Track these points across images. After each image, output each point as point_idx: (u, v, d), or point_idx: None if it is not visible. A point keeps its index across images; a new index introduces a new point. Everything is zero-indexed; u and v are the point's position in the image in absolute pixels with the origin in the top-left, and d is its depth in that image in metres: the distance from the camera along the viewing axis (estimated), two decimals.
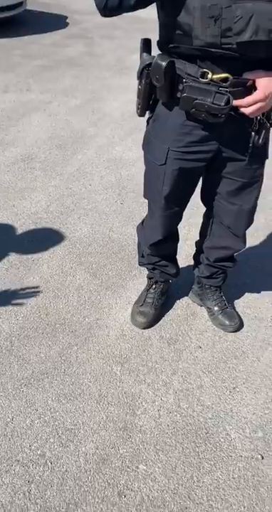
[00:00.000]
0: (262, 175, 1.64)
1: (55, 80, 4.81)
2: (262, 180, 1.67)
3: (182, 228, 2.41)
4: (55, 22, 6.72)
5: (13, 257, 2.32)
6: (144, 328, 1.96)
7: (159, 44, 1.43)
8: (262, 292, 2.23)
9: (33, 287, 2.14)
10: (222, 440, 1.58)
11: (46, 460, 1.47)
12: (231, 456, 1.53)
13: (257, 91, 1.34)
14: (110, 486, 1.42)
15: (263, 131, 1.47)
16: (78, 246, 2.45)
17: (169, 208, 1.67)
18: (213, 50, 1.29)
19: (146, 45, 1.46)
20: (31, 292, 2.11)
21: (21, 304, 2.04)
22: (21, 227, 2.57)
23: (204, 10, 1.24)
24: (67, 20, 6.85)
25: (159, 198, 1.64)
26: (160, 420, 1.62)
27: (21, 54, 5.39)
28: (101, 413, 1.62)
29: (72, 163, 3.23)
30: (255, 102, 1.34)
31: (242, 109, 1.36)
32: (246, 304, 2.16)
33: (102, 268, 2.31)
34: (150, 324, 1.97)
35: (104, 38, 6.17)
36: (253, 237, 2.60)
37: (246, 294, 2.22)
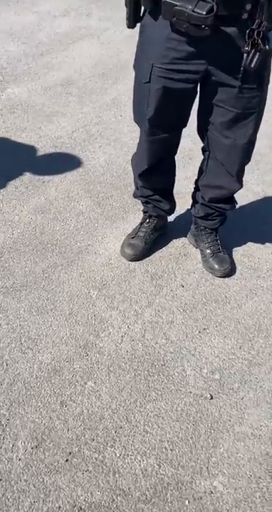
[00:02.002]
0: (259, 106, 1.52)
1: (118, 7, 4.63)
2: (260, 113, 1.55)
3: (190, 164, 2.33)
4: None
5: (25, 177, 2.39)
6: (131, 260, 1.97)
7: None
8: (266, 243, 2.13)
9: (36, 207, 2.20)
10: (176, 374, 1.59)
11: (3, 362, 1.57)
12: (180, 391, 1.54)
13: None
14: (54, 395, 1.50)
15: (257, 55, 1.34)
16: (91, 174, 2.45)
17: (153, 132, 1.61)
18: None
19: None
20: (32, 211, 2.17)
21: (19, 221, 2.12)
22: (42, 148, 2.61)
23: None
24: None
25: (144, 120, 1.58)
26: (121, 346, 1.66)
27: None
28: (66, 329, 1.69)
29: (110, 92, 3.17)
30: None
31: None
32: (245, 252, 2.08)
33: (108, 198, 2.31)
34: (138, 257, 1.97)
35: None
36: (270, 187, 2.45)
37: (249, 242, 2.13)
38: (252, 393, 1.55)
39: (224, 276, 1.94)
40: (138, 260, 1.97)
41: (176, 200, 2.24)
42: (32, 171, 2.43)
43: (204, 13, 1.23)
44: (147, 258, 2.00)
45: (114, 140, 2.72)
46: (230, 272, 1.94)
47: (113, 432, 1.42)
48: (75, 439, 1.40)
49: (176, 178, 2.37)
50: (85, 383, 1.54)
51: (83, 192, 2.33)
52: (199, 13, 1.23)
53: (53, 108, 2.98)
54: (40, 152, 2.58)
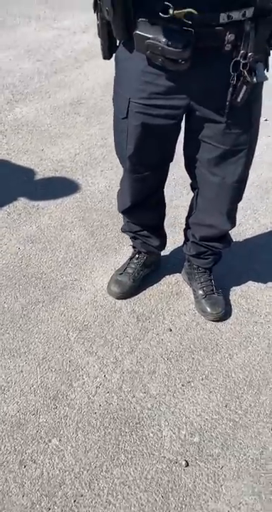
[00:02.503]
0: (249, 142, 1.36)
1: None
2: (251, 149, 1.40)
3: (190, 192, 2.20)
4: None
5: (20, 202, 2.31)
6: (118, 299, 1.84)
7: None
8: (268, 283, 1.95)
9: (26, 236, 2.11)
10: (151, 435, 1.44)
11: None
12: (153, 455, 1.40)
13: None
14: (14, 452, 1.38)
15: (244, 88, 1.19)
16: (88, 201, 2.35)
17: (136, 171, 1.49)
18: None
19: None
20: (22, 240, 2.08)
21: (6, 251, 2.03)
22: (41, 172, 2.53)
23: None
24: None
25: (125, 158, 1.46)
26: (94, 398, 1.52)
27: None
28: (37, 376, 1.57)
29: None
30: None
31: None
32: (244, 292, 1.91)
33: (103, 227, 2.19)
34: (125, 296, 1.84)
35: None
36: None
37: (249, 282, 1.96)
38: (234, 462, 1.39)
39: (217, 321, 1.78)
40: (125, 298, 1.84)
41: (175, 231, 2.11)
42: (27, 196, 2.35)
43: (180, 46, 1.09)
44: (136, 296, 1.87)
45: (117, 165, 2.57)
46: (223, 315, 1.78)
47: (72, 501, 1.29)
48: (30, 507, 1.27)
49: (178, 205, 2.24)
50: (50, 441, 1.41)
51: (77, 220, 2.23)
52: (174, 47, 1.10)
53: (59, 129, 2.90)
54: (39, 176, 2.50)
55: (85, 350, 1.66)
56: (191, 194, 1.70)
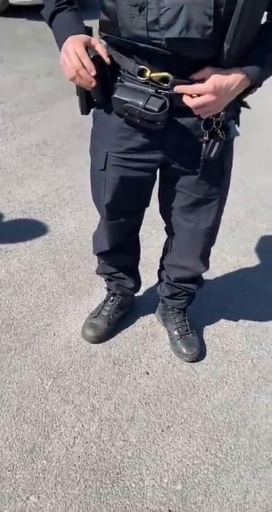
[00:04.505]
0: (221, 192, 1.41)
1: None
2: (223, 198, 1.44)
3: (163, 231, 2.24)
4: None
5: None
6: (93, 343, 1.81)
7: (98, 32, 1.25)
8: (239, 321, 1.99)
9: None
10: (133, 486, 1.40)
11: None
12: (135, 506, 1.35)
13: (206, 82, 1.11)
14: None
15: (217, 144, 1.24)
16: (58, 242, 2.34)
17: (113, 217, 1.50)
18: (141, 44, 1.10)
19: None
20: None
21: None
22: (9, 214, 2.50)
23: None
24: None
25: (102, 205, 1.48)
26: (72, 449, 1.47)
27: None
28: (12, 430, 1.51)
29: (86, 154, 3.09)
30: (203, 94, 1.12)
31: (185, 99, 1.14)
32: (217, 331, 1.93)
33: (75, 269, 2.18)
34: (100, 340, 1.81)
35: None
36: (245, 257, 2.34)
37: (222, 320, 1.99)
38: (217, 509, 1.37)
39: (193, 361, 1.78)
40: (100, 342, 1.82)
41: (147, 270, 2.12)
42: None
43: (156, 109, 1.14)
44: (111, 339, 1.85)
45: (86, 205, 2.62)
46: (199, 356, 1.79)
47: None
48: None
49: (149, 245, 2.27)
50: (28, 498, 1.35)
51: (48, 262, 2.20)
52: (151, 110, 1.14)
53: (26, 171, 2.90)
54: (7, 218, 2.47)
55: (61, 399, 1.61)
56: (161, 234, 1.72)
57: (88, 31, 1.24)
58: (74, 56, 1.11)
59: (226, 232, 2.44)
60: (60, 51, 1.16)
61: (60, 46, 1.17)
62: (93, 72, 1.12)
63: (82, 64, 1.11)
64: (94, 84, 1.15)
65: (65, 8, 1.20)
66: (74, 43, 1.12)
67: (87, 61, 1.11)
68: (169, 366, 1.77)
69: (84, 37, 1.14)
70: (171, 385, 1.70)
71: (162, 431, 1.55)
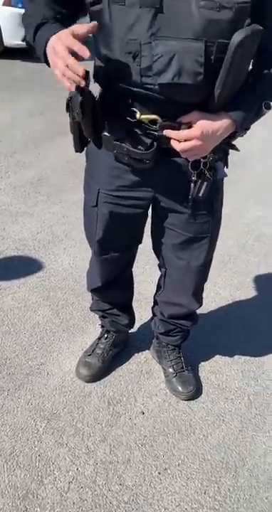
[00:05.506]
0: (212, 230, 1.43)
1: None
2: (214, 236, 1.46)
3: (154, 271, 2.24)
4: None
5: None
6: (87, 382, 1.79)
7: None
8: (234, 357, 1.97)
9: None
10: None
11: None
12: None
13: (193, 127, 1.15)
14: None
15: (205, 184, 1.27)
16: (52, 279, 2.33)
17: (104, 253, 1.51)
18: (135, 89, 1.14)
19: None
20: None
21: None
22: (3, 252, 2.50)
23: (122, 44, 1.09)
24: None
25: (94, 241, 1.49)
26: (67, 495, 1.43)
27: None
28: (5, 475, 1.46)
29: (79, 190, 3.11)
30: (190, 139, 1.15)
31: (173, 143, 1.17)
32: (212, 368, 1.92)
33: (69, 306, 2.17)
34: (94, 378, 1.79)
35: None
36: (238, 291, 2.35)
37: (217, 356, 1.97)
38: None
39: (189, 399, 1.76)
40: (95, 381, 1.79)
41: (140, 306, 2.12)
42: None
43: (144, 149, 1.17)
44: (106, 378, 1.82)
45: (80, 241, 2.63)
46: (195, 393, 1.76)
47: None
48: None
49: (142, 280, 2.27)
50: None
51: (42, 300, 2.19)
52: (138, 149, 1.17)
53: (20, 208, 2.93)
54: (1, 256, 2.48)
55: (55, 442, 1.57)
56: (154, 269, 1.73)
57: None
58: (61, 48, 0.98)
59: (218, 266, 2.45)
60: (44, 59, 1.08)
61: (43, 51, 1.07)
62: (87, 53, 0.98)
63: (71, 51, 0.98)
64: (82, 72, 0.99)
65: (48, 22, 1.12)
66: (58, 36, 1.00)
67: (78, 47, 0.97)
68: (165, 405, 1.75)
69: (66, 29, 1.00)
70: (168, 424, 1.67)
71: (159, 473, 1.52)
